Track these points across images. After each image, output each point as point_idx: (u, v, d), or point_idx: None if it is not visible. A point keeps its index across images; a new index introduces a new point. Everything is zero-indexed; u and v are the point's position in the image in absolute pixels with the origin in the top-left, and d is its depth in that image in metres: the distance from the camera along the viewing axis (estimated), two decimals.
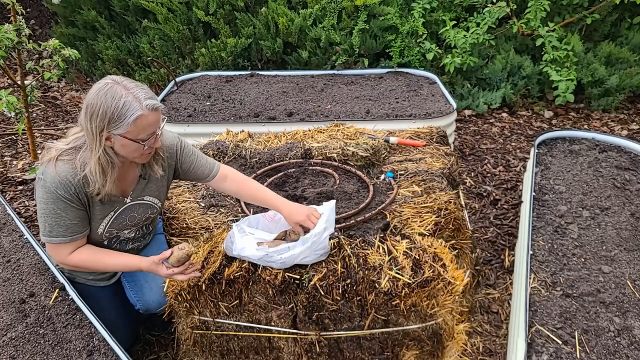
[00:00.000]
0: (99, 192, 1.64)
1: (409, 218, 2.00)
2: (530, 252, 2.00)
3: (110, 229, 1.79)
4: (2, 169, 3.66)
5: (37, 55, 5.47)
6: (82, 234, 1.71)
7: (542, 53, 4.06)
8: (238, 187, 1.97)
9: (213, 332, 1.86)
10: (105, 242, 1.83)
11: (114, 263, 1.77)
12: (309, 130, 2.76)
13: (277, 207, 1.89)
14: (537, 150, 2.72)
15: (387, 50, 4.37)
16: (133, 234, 1.90)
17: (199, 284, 1.75)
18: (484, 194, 3.25)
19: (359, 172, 2.35)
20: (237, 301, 1.79)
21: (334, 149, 2.50)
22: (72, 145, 1.65)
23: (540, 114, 4.39)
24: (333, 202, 1.86)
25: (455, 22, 4.25)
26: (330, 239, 1.78)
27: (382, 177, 2.32)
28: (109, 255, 1.78)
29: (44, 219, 1.65)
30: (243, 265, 1.75)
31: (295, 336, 1.81)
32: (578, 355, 1.55)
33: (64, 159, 1.63)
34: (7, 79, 5.08)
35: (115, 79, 1.55)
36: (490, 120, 4.31)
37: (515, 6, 4.12)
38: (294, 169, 2.40)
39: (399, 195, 2.15)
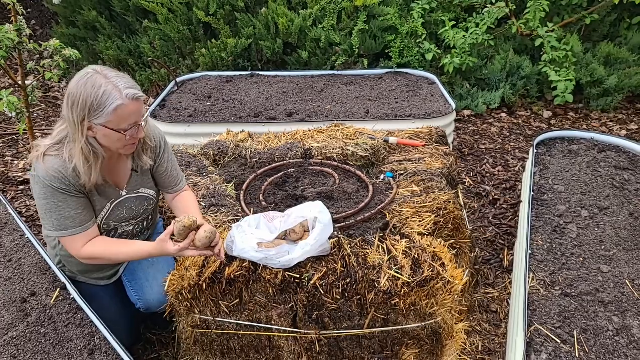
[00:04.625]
0: (87, 183, 1.64)
1: (408, 218, 2.01)
2: (529, 252, 2.01)
3: (108, 221, 1.80)
4: (3, 169, 3.67)
5: (38, 56, 5.47)
6: (91, 221, 1.70)
7: (541, 53, 4.07)
8: (175, 200, 1.96)
9: (214, 331, 1.87)
10: (104, 235, 1.83)
11: (127, 251, 1.73)
12: (309, 131, 2.77)
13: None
14: (536, 150, 2.73)
15: (386, 51, 4.37)
16: (131, 227, 1.90)
17: (200, 283, 1.75)
18: (483, 194, 3.25)
19: (358, 172, 2.35)
20: (237, 300, 1.79)
21: (333, 149, 2.51)
22: (57, 139, 1.65)
23: (539, 114, 4.40)
24: (319, 202, 1.84)
25: (455, 23, 4.26)
26: (330, 239, 1.79)
27: (382, 177, 2.33)
28: (122, 245, 1.75)
29: (48, 214, 1.64)
30: (243, 265, 1.76)
31: (295, 335, 1.82)
32: (577, 354, 1.56)
33: (51, 154, 1.63)
34: (8, 79, 5.09)
35: (96, 68, 1.55)
36: (490, 121, 4.32)
37: (514, 6, 4.13)
38: (294, 169, 2.41)
39: (398, 195, 2.16)
